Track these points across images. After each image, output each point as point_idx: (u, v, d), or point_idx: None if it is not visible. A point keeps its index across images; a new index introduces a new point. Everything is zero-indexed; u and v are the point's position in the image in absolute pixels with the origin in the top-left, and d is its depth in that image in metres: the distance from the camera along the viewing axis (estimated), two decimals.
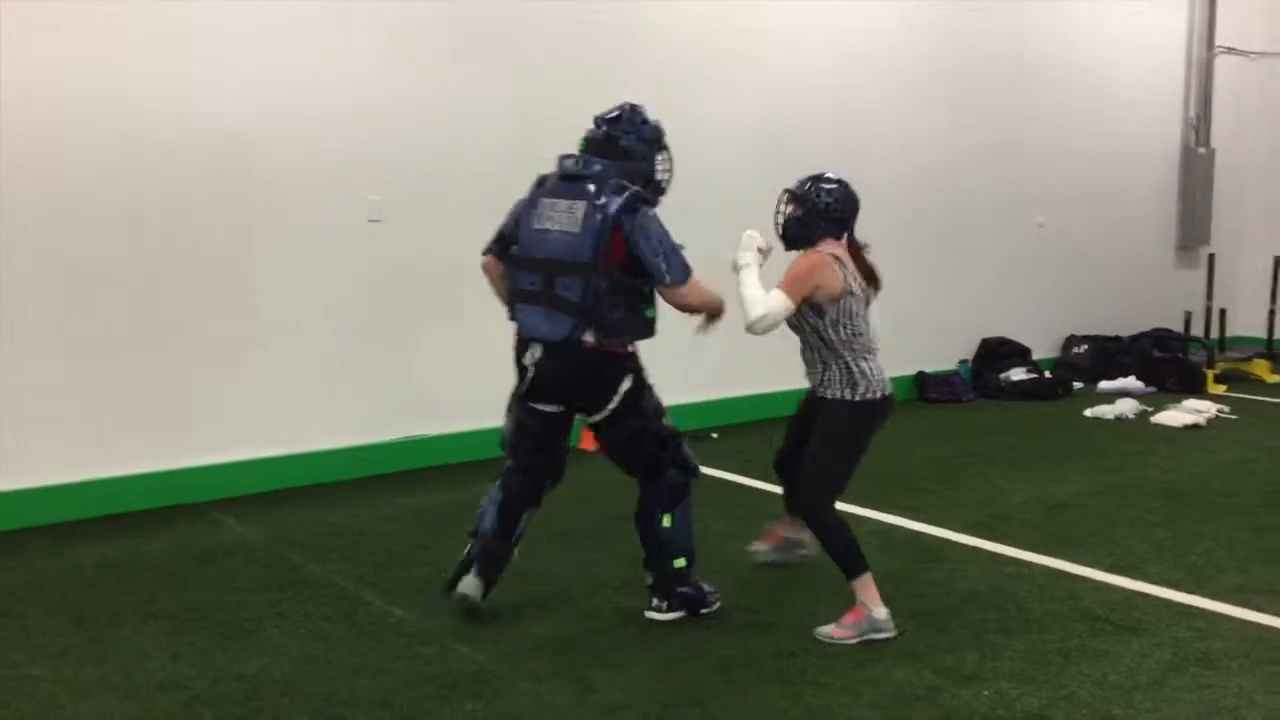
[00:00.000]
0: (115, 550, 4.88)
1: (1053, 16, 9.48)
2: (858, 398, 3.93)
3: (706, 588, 4.18)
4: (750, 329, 3.91)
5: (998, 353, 9.11)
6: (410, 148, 6.17)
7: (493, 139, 6.45)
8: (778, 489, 5.94)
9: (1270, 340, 10.11)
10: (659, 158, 4.12)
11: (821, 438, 3.99)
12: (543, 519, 5.37)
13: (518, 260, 4.05)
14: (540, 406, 4.09)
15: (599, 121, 4.13)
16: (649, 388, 4.12)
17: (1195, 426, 7.67)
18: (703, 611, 4.13)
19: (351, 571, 4.64)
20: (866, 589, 3.93)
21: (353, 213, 6.02)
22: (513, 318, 4.10)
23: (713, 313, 4.14)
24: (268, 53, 5.67)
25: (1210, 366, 9.29)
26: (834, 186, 4.06)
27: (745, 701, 3.48)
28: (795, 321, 4.01)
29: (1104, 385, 9.05)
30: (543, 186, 4.07)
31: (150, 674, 3.64)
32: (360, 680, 3.61)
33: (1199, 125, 10.80)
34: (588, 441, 6.82)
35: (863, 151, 8.01)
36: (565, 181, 4.00)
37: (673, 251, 3.92)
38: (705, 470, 6.27)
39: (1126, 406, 8.12)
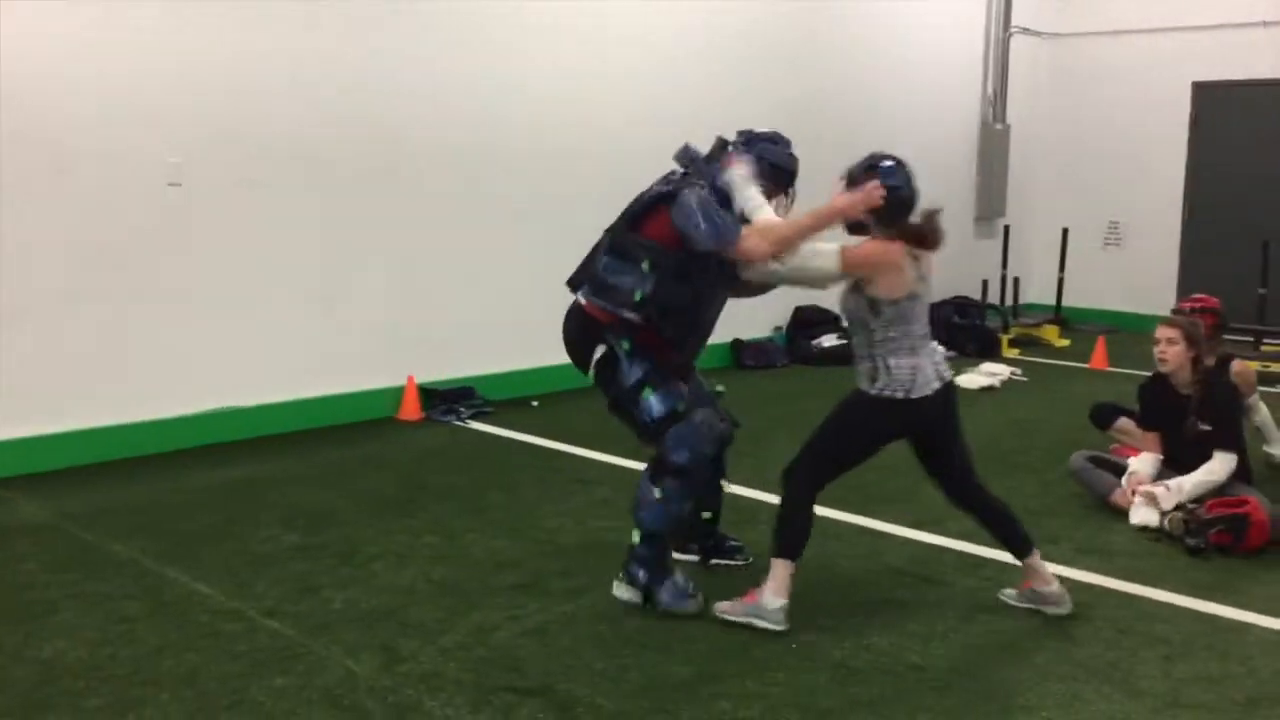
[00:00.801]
0: None
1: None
2: (874, 392, 3.73)
3: (678, 580, 3.91)
4: (767, 255, 3.70)
5: (810, 320, 9.38)
6: (212, 109, 5.92)
7: (301, 99, 6.25)
8: (593, 453, 6.01)
9: (1059, 306, 10.71)
10: (781, 195, 4.00)
11: (829, 416, 3.86)
12: (350, 491, 5.31)
13: None
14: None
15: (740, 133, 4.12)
16: (631, 362, 3.87)
17: (991, 389, 8.08)
18: (660, 607, 3.87)
19: (154, 549, 4.46)
20: (776, 575, 3.77)
21: (150, 175, 5.74)
22: None
23: (814, 229, 3.78)
24: (51, 6, 5.35)
25: (1005, 332, 9.79)
26: (897, 170, 3.90)
27: (561, 663, 3.51)
28: (852, 315, 3.81)
29: None
30: None
31: None
32: (164, 660, 3.49)
33: (995, 102, 11.33)
34: (408, 411, 6.75)
35: (661, 129, 8.09)
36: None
37: (708, 218, 3.70)
38: (523, 438, 6.36)
39: None
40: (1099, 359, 9.14)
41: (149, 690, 3.29)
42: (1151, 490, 4.84)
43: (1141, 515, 4.84)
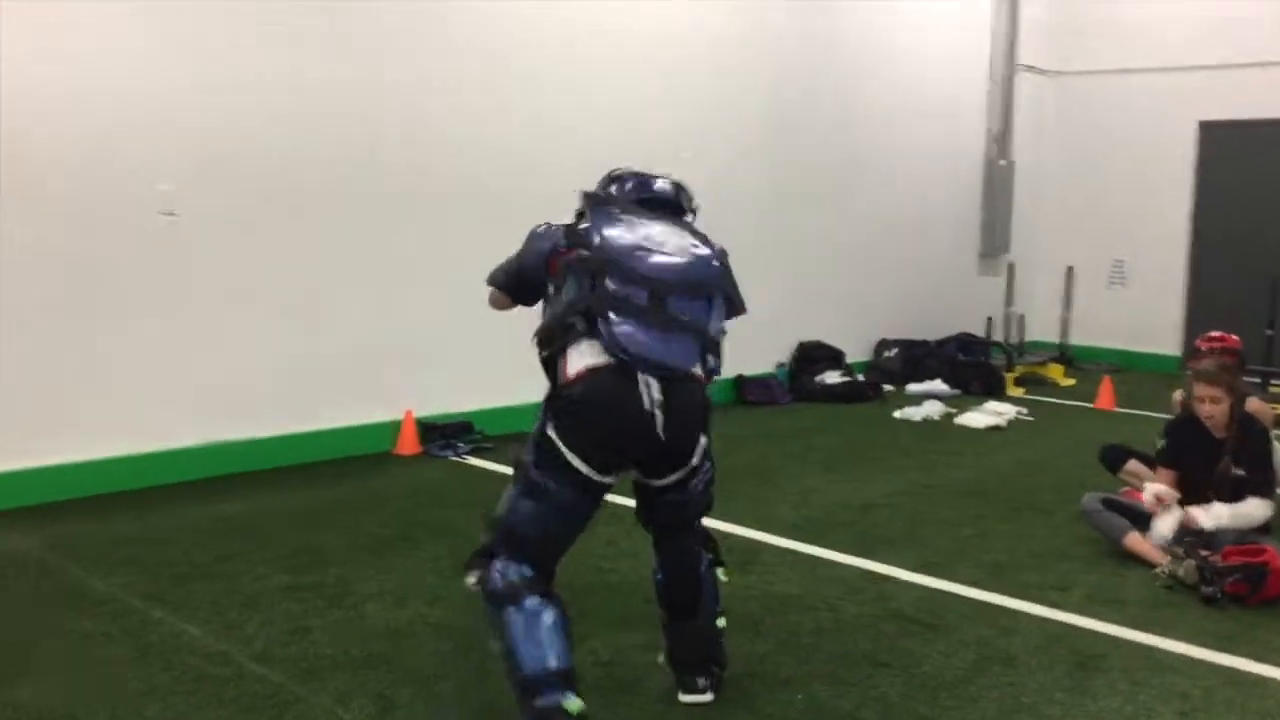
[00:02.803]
0: None
1: (864, 35, 9.72)
2: None
3: None
4: None
5: (813, 356, 9.29)
6: (203, 138, 5.84)
7: (295, 127, 6.18)
8: None
9: (1063, 345, 10.61)
10: None
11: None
12: (344, 528, 5.18)
13: (605, 265, 3.09)
14: (606, 478, 3.13)
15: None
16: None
17: (997, 428, 7.97)
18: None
19: (140, 586, 4.34)
20: None
21: (142, 205, 5.66)
22: (588, 334, 3.06)
23: None
24: (37, 29, 5.28)
25: (1010, 370, 9.69)
26: None
27: None
28: None
29: (912, 388, 9.33)
30: (609, 203, 3.27)
31: None
32: (148, 706, 3.36)
33: (1000, 139, 11.28)
34: (406, 446, 6.64)
35: (678, 162, 8.05)
36: (655, 205, 3.34)
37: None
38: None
39: (933, 408, 8.38)
40: (1105, 399, 9.03)
41: None
42: (1191, 510, 4.78)
43: (1165, 525, 4.76)
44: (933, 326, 10.43)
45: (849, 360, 9.48)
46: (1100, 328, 11.25)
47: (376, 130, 6.53)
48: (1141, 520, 4.99)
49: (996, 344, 10.26)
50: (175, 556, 4.72)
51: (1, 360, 5.26)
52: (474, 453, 6.71)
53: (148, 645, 3.80)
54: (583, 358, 3.07)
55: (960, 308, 10.84)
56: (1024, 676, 3.71)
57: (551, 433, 3.08)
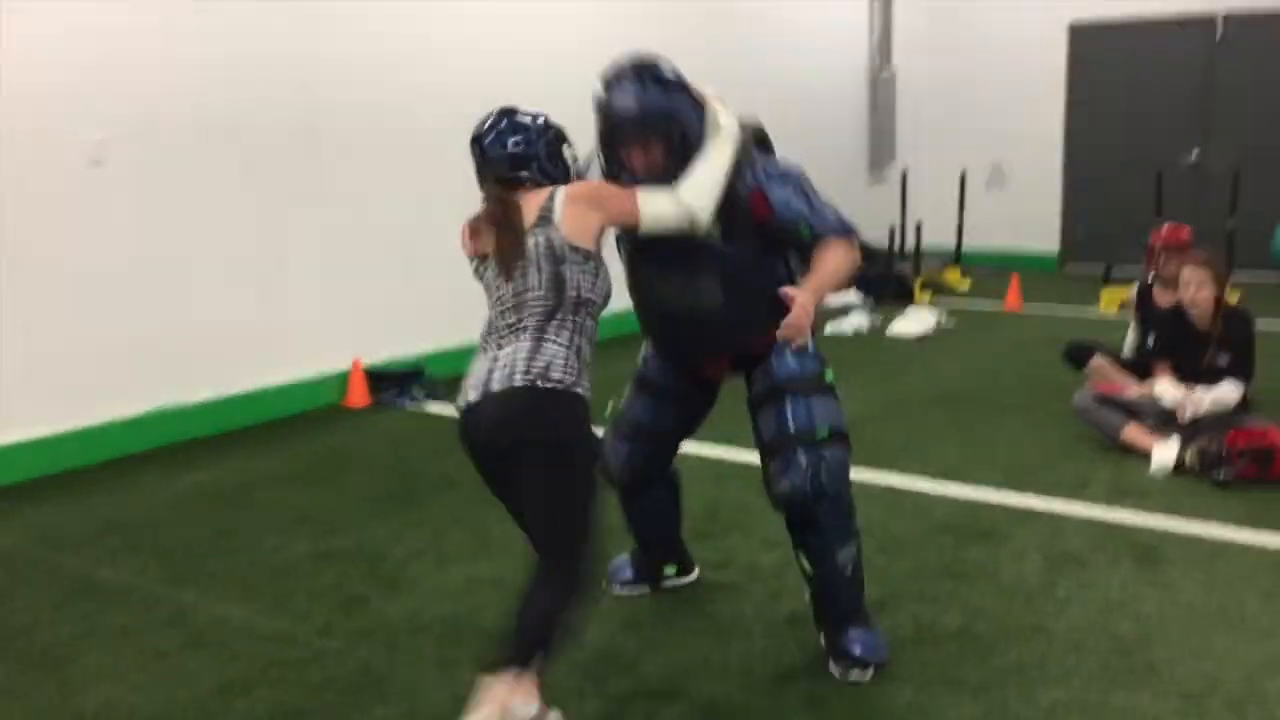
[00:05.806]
0: None
1: None
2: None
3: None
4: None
5: None
6: (135, 85, 5.32)
7: (229, 72, 5.71)
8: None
9: (959, 250, 10.84)
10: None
11: None
12: (337, 488, 4.88)
13: None
14: None
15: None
16: None
17: (927, 336, 8.08)
18: None
19: (154, 571, 4.00)
20: None
21: (68, 154, 5.13)
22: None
23: None
24: None
25: (917, 276, 9.84)
26: None
27: (675, 658, 3.28)
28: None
29: (829, 301, 9.36)
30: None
31: None
32: (234, 701, 3.09)
33: (881, 49, 11.36)
34: (356, 397, 6.30)
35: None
36: None
37: None
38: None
39: (860, 320, 8.45)
40: (1013, 300, 9.26)
41: None
42: (1181, 399, 4.98)
43: (1163, 456, 4.85)
44: None
45: None
46: (981, 230, 11.51)
47: (315, 73, 6.09)
48: (1133, 413, 5.16)
49: (881, 251, 10.25)
50: (173, 535, 4.36)
51: None
52: (429, 399, 6.42)
53: (199, 634, 3.50)
54: None
55: (856, 219, 10.90)
56: (1099, 575, 3.77)
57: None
